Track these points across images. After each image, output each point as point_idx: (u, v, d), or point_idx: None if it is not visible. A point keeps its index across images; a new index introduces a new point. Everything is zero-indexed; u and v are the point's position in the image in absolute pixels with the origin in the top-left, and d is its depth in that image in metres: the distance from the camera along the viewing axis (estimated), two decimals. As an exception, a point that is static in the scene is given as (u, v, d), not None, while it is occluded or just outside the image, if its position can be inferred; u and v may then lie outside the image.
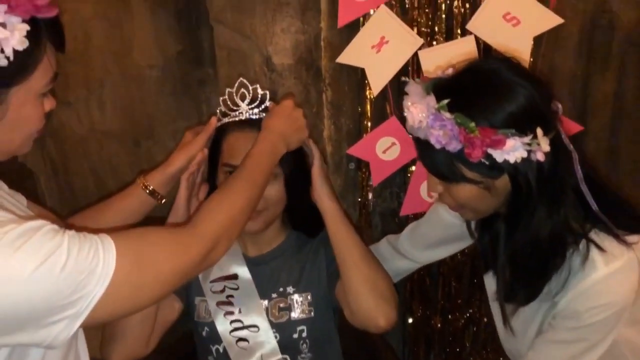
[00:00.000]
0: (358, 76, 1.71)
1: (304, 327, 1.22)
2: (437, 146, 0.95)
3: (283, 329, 1.22)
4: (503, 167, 0.94)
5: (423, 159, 1.04)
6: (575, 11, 1.58)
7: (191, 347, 1.34)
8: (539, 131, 0.92)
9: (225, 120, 1.19)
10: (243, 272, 1.23)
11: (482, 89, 0.96)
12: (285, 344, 1.21)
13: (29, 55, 0.79)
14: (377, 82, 1.65)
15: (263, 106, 1.17)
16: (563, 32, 1.63)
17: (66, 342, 0.79)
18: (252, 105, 1.17)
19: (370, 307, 1.11)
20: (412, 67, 1.65)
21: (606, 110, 1.75)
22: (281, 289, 1.24)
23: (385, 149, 1.70)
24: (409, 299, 1.83)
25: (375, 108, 1.71)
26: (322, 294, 1.24)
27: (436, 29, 1.62)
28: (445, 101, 0.95)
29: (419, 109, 0.96)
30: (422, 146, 1.00)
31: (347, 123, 1.77)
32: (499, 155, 0.92)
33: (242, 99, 1.16)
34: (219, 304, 1.21)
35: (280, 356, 1.20)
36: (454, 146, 0.94)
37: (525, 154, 0.92)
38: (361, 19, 1.62)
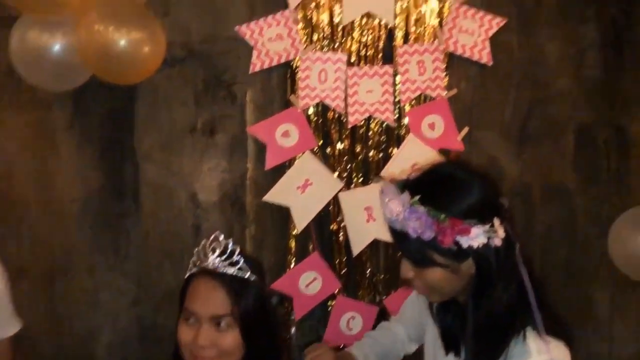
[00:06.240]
0: (282, 213, 1.81)
1: None
2: (414, 235, 1.10)
3: None
4: (468, 252, 1.11)
5: (399, 247, 1.18)
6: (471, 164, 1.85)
7: None
8: (496, 220, 1.11)
9: (194, 270, 1.21)
10: None
11: (444, 186, 1.15)
12: None
13: None
14: (301, 220, 1.77)
15: (230, 260, 1.22)
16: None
17: None
18: (222, 258, 1.21)
19: None
20: (333, 207, 1.80)
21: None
22: None
23: (307, 283, 1.79)
24: None
25: (298, 244, 1.81)
26: None
27: (354, 174, 1.81)
28: (417, 197, 1.11)
29: (396, 204, 1.12)
30: (398, 236, 1.14)
31: (269, 257, 1.84)
32: (465, 242, 1.09)
33: (213, 251, 1.21)
34: None
35: None
36: (428, 235, 1.09)
37: (485, 241, 1.10)
38: (287, 162, 1.77)
